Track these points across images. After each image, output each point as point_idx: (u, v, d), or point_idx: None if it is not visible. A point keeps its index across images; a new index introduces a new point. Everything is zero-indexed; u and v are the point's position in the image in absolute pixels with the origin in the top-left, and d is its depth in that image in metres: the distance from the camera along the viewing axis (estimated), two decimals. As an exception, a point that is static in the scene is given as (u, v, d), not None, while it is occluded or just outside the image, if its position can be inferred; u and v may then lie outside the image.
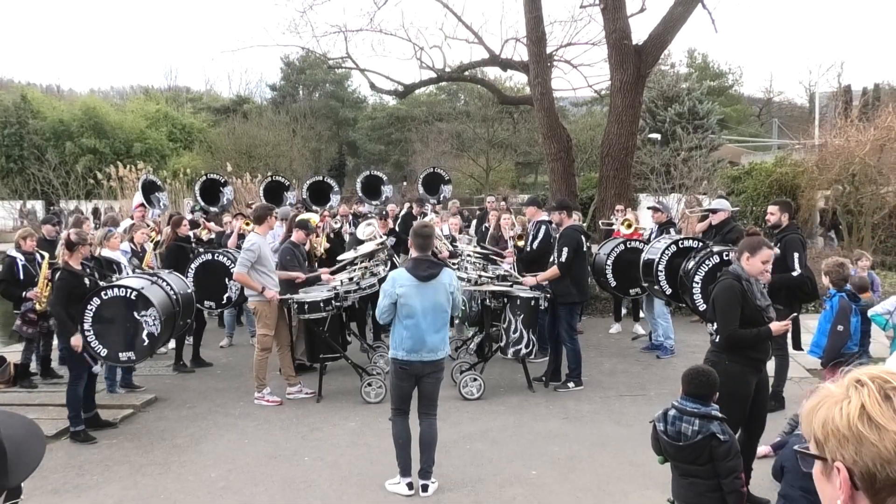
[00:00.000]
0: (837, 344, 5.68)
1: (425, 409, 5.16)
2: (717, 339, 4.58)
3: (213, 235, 10.06)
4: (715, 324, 4.59)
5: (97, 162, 30.34)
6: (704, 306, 6.57)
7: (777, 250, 6.04)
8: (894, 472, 1.09)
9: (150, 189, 12.75)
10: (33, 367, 8.01)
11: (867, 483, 1.11)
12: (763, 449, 5.35)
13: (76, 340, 6.22)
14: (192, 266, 8.57)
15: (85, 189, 26.44)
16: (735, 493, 3.68)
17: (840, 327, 5.67)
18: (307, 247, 8.68)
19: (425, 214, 11.68)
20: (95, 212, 20.94)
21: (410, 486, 5.08)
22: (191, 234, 9.35)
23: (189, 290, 7.49)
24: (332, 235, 10.48)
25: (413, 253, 5.25)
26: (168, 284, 6.93)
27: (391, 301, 4.99)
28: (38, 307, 7.40)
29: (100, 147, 33.97)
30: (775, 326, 4.58)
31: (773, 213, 6.82)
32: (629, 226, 9.91)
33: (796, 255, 6.44)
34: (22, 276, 7.63)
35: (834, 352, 5.70)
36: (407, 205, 13.29)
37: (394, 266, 7.95)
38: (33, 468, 1.61)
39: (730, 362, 4.43)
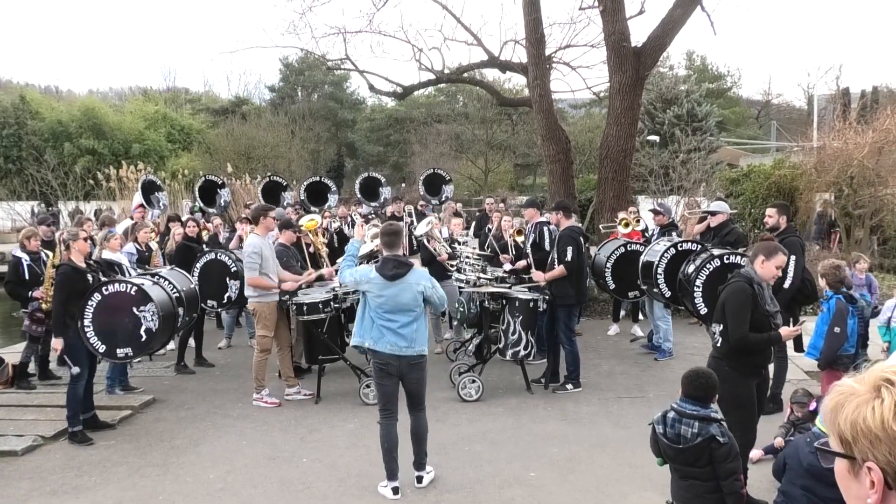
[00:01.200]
0: (834, 346, 5.69)
1: (413, 406, 5.24)
2: (719, 343, 4.56)
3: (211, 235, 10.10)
4: (719, 325, 4.56)
5: (96, 163, 30.27)
6: (706, 310, 6.57)
7: None
8: None
9: (149, 189, 12.73)
10: (32, 367, 8.01)
11: None
12: (756, 453, 5.35)
13: (57, 344, 6.30)
14: (197, 265, 8.63)
15: (83, 190, 26.39)
16: (734, 494, 3.69)
17: (837, 329, 5.67)
18: (311, 248, 8.70)
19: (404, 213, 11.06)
20: (97, 213, 20.89)
21: (396, 490, 5.10)
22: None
23: (192, 286, 7.61)
24: (333, 235, 10.43)
25: (383, 252, 5.30)
26: (170, 283, 6.99)
27: (356, 285, 5.29)
28: (43, 306, 7.43)
29: (98, 148, 33.90)
30: (785, 332, 4.56)
31: (772, 216, 6.83)
32: (626, 225, 9.80)
33: (794, 258, 6.45)
34: (28, 276, 7.66)
35: (831, 354, 5.71)
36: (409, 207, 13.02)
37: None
38: None
39: (729, 368, 4.41)
